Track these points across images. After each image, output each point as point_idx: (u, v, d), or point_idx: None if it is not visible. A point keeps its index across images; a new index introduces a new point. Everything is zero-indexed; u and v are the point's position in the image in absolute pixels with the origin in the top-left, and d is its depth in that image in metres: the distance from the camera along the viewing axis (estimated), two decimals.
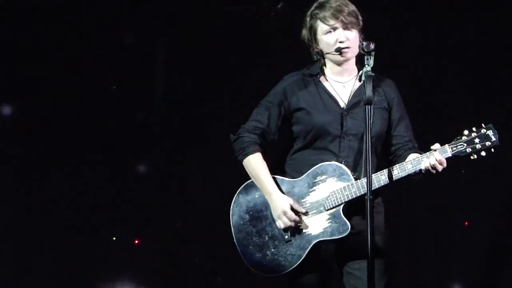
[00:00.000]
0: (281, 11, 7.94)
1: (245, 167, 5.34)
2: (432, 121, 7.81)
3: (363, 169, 5.17)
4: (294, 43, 5.52)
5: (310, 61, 5.38)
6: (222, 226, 5.44)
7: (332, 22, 5.20)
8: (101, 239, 8.16)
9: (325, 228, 5.16)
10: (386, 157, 5.33)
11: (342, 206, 5.13)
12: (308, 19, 5.30)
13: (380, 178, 5.07)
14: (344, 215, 5.13)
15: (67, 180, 8.12)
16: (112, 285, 8.18)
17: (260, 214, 5.30)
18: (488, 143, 4.97)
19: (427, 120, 7.72)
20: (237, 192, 5.38)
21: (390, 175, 5.06)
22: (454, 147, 5.00)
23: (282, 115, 5.32)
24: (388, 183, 5.07)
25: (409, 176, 5.08)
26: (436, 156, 5.00)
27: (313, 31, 5.28)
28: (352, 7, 5.24)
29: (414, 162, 5.04)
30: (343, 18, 5.18)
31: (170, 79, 8.33)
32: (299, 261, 5.19)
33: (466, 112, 7.89)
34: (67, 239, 8.07)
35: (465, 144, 4.99)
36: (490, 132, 4.97)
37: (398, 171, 5.06)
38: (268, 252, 5.25)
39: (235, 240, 5.34)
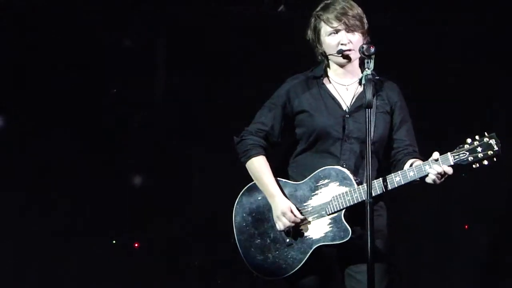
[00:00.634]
0: (281, 14, 7.95)
1: (248, 169, 5.35)
2: (433, 128, 7.83)
3: (365, 173, 5.14)
4: (295, 44, 5.53)
5: (311, 62, 5.39)
6: (223, 228, 5.46)
7: (335, 24, 5.20)
8: (101, 242, 8.17)
9: (326, 232, 5.17)
10: (386, 160, 5.34)
11: (343, 211, 5.14)
12: (312, 19, 5.31)
13: (382, 184, 5.07)
14: (345, 219, 5.14)
15: (67, 181, 8.12)
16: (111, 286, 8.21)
17: (262, 217, 5.32)
18: (490, 152, 4.94)
19: (428, 127, 7.74)
20: (240, 193, 5.40)
21: (391, 182, 5.07)
22: (456, 155, 4.98)
23: (285, 118, 5.33)
24: (389, 190, 5.08)
25: (410, 183, 5.08)
26: (437, 169, 4.98)
27: (317, 32, 5.29)
28: (356, 10, 5.24)
29: (416, 170, 5.04)
30: (346, 21, 5.19)
31: (170, 79, 8.33)
32: (300, 265, 5.21)
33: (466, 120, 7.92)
34: (67, 242, 8.08)
35: (467, 153, 4.96)
36: (493, 141, 4.95)
37: (400, 178, 5.06)
38: (270, 255, 5.27)
39: (236, 241, 5.35)
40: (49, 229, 8.08)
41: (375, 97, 5.15)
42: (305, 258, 5.20)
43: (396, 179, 5.06)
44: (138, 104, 8.27)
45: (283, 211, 5.21)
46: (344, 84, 5.33)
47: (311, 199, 5.23)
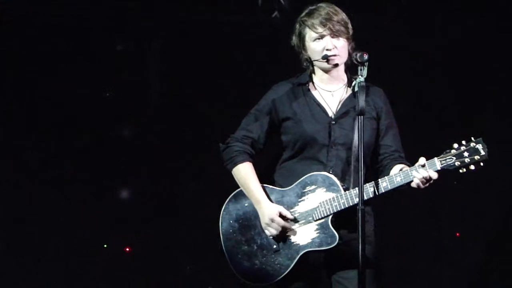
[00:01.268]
0: (275, 20, 7.95)
1: (234, 176, 5.34)
2: (422, 132, 7.83)
3: (351, 179, 5.18)
4: (286, 51, 5.51)
5: (300, 69, 5.38)
6: (214, 234, 5.44)
7: (320, 29, 5.20)
8: (92, 246, 8.15)
9: (313, 238, 5.17)
10: (374, 166, 5.33)
11: (330, 216, 5.13)
12: (297, 25, 5.30)
13: (369, 190, 5.06)
14: (332, 226, 5.13)
15: (60, 186, 8.12)
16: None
17: (249, 223, 5.31)
18: (477, 157, 4.93)
19: (416, 131, 7.74)
20: (227, 200, 5.39)
21: (378, 187, 5.06)
22: (443, 160, 4.97)
23: (271, 125, 5.34)
24: (376, 195, 5.07)
25: (397, 188, 5.08)
26: (423, 174, 4.98)
27: (301, 38, 5.28)
28: (341, 16, 5.24)
29: (403, 175, 5.03)
30: (331, 26, 5.18)
31: (165, 84, 8.33)
32: (287, 271, 5.20)
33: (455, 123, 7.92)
34: (58, 245, 8.07)
35: (454, 158, 4.95)
36: (479, 146, 4.94)
37: (387, 183, 5.05)
38: (257, 261, 5.26)
39: (223, 248, 5.34)
40: (39, 231, 8.09)
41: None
42: (292, 264, 5.19)
43: (383, 185, 5.06)
44: (132, 111, 8.25)
45: (271, 217, 5.20)
46: (330, 90, 5.33)
47: (298, 205, 5.22)
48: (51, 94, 8.12)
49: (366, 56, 5.00)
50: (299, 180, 5.22)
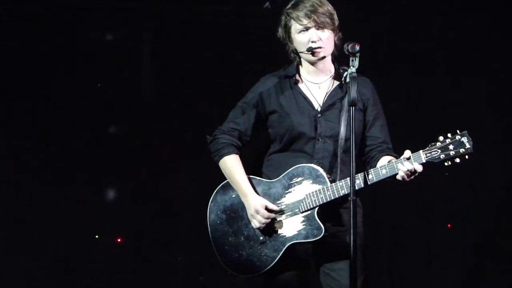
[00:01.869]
0: (267, 11, 7.92)
1: (221, 168, 5.36)
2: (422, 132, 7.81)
3: (338, 171, 5.18)
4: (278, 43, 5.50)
5: (289, 61, 5.38)
6: (205, 225, 5.45)
7: (305, 21, 5.19)
8: (83, 236, 8.16)
9: (299, 230, 5.18)
10: (360, 157, 5.33)
11: (317, 208, 5.14)
12: (283, 17, 5.29)
13: (355, 182, 5.04)
14: (319, 217, 5.14)
15: (60, 185, 8.12)
16: (94, 283, 8.19)
17: (236, 214, 5.33)
18: (462, 150, 4.93)
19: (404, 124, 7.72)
20: (215, 191, 5.41)
21: (365, 180, 5.06)
22: (428, 153, 4.97)
23: (258, 118, 5.34)
24: (362, 187, 5.07)
25: (383, 180, 5.07)
26: (408, 167, 4.97)
27: (287, 30, 5.27)
28: (326, 7, 5.22)
29: (388, 168, 5.03)
30: (316, 18, 5.17)
31: (164, 83, 8.33)
32: (273, 263, 5.21)
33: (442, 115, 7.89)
34: (49, 237, 8.08)
35: (439, 151, 4.95)
36: (464, 139, 4.93)
37: (373, 176, 5.06)
38: (243, 253, 5.28)
39: (211, 238, 5.36)
40: (30, 224, 8.08)
41: (347, 94, 5.12)
42: (278, 256, 5.21)
43: (369, 177, 5.06)
44: (131, 109, 8.26)
45: (256, 208, 5.21)
46: (317, 83, 5.33)
47: (284, 197, 5.24)
48: (51, 94, 8.12)
49: (357, 47, 4.97)
50: (286, 172, 5.23)
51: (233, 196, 5.34)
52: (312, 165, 5.19)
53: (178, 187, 8.26)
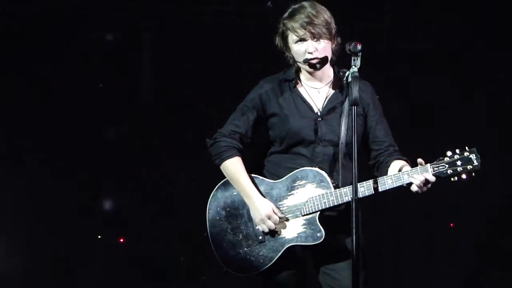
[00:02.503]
0: (269, 11, 7.90)
1: (223, 171, 5.32)
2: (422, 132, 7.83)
3: (339, 176, 5.17)
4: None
5: (288, 64, 5.35)
6: (205, 225, 5.44)
7: (300, 33, 5.15)
8: (83, 236, 8.15)
9: (299, 233, 5.17)
10: (368, 162, 5.31)
11: (318, 213, 5.12)
12: (280, 26, 5.25)
13: (359, 190, 5.02)
14: (320, 222, 5.13)
15: (59, 185, 8.09)
16: (97, 283, 8.18)
17: (236, 212, 5.31)
18: (469, 167, 4.92)
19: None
20: (216, 187, 5.38)
21: (370, 188, 5.04)
22: (436, 167, 4.96)
23: (258, 120, 5.32)
24: (366, 196, 5.05)
25: (391, 190, 5.07)
26: (420, 178, 4.96)
27: (284, 38, 5.24)
28: (323, 17, 5.16)
29: (394, 178, 5.02)
30: (312, 29, 5.12)
31: (164, 83, 8.29)
32: (271, 263, 5.20)
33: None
34: (49, 237, 8.06)
35: (447, 166, 4.94)
36: (473, 156, 4.93)
37: (378, 185, 5.04)
38: (241, 251, 5.26)
39: (209, 234, 5.34)
40: (34, 222, 8.08)
41: (347, 98, 5.14)
42: (276, 257, 5.20)
43: (373, 186, 5.04)
44: (131, 109, 8.22)
45: (268, 214, 5.18)
46: (316, 87, 5.30)
47: (286, 198, 5.22)
48: (51, 94, 8.07)
49: (359, 47, 4.95)
50: (290, 174, 5.21)
51: (234, 193, 5.31)
52: (317, 169, 5.17)
53: (178, 187, 8.25)
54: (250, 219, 5.26)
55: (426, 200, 7.96)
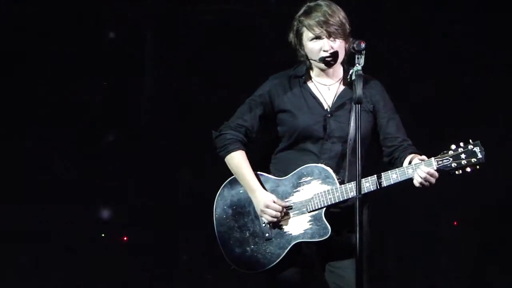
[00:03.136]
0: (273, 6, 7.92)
1: (227, 164, 5.35)
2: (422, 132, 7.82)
3: (346, 172, 5.19)
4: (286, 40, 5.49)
5: (291, 62, 5.39)
6: (207, 225, 5.46)
7: (317, 31, 5.17)
8: (83, 236, 8.16)
9: (305, 229, 5.18)
10: (383, 159, 5.32)
11: (324, 209, 5.15)
12: (295, 23, 5.28)
13: (365, 185, 5.05)
14: (325, 218, 5.15)
15: (59, 185, 8.10)
16: (99, 282, 8.19)
17: (243, 210, 5.33)
18: (474, 160, 4.94)
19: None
20: (223, 185, 5.40)
21: (374, 183, 5.07)
22: (440, 161, 4.97)
23: (265, 116, 5.34)
24: (371, 191, 5.08)
25: (397, 184, 5.07)
26: (424, 169, 4.98)
27: (299, 36, 5.26)
28: (338, 16, 5.20)
29: (399, 173, 5.04)
30: (328, 28, 5.16)
31: (158, 74, 8.31)
32: (278, 260, 5.22)
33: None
34: (54, 234, 8.08)
35: (451, 159, 4.96)
36: (477, 149, 4.94)
37: (383, 180, 5.06)
38: (248, 248, 5.28)
39: (216, 233, 5.36)
40: (35, 220, 8.07)
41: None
42: (283, 254, 5.21)
43: (379, 181, 5.06)
44: (131, 109, 8.24)
45: (266, 204, 5.21)
46: (326, 84, 5.33)
47: (292, 195, 5.23)
48: (51, 94, 8.09)
49: (363, 45, 4.98)
50: (295, 171, 5.23)
51: (241, 191, 5.34)
52: (322, 165, 5.19)
53: (178, 187, 8.26)
54: (256, 216, 5.28)
55: (429, 196, 8.01)
